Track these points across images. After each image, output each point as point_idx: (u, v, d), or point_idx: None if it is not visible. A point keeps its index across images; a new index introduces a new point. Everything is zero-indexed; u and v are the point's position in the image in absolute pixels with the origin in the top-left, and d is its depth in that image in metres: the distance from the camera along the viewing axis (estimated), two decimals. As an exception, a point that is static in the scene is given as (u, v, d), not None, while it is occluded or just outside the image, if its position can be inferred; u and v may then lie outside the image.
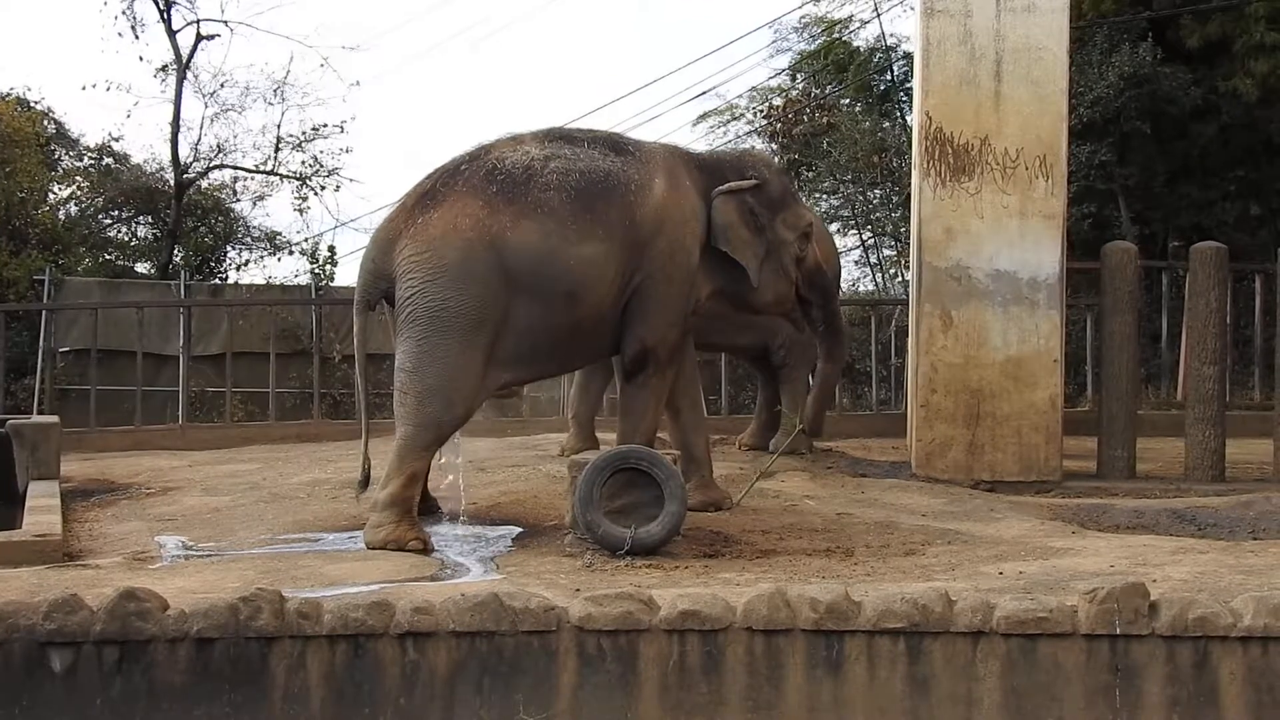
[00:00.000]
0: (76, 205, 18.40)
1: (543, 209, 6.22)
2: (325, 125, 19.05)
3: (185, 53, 18.30)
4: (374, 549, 5.96)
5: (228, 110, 18.76)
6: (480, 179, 6.28)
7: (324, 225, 20.97)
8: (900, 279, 17.08)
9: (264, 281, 17.71)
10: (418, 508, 6.66)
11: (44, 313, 13.51)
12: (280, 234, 19.52)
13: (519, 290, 6.17)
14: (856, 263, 18.61)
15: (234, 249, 19.25)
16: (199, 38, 18.35)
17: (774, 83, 19.93)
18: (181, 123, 18.24)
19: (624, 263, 6.35)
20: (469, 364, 6.16)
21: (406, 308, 6.18)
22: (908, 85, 17.09)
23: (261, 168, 19.10)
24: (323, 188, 18.94)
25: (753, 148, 7.03)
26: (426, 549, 5.96)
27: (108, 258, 18.18)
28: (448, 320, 6.11)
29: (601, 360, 7.31)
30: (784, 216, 6.87)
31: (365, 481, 6.42)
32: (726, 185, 6.69)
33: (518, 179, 6.26)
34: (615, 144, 6.62)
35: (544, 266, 6.18)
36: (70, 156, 19.15)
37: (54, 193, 17.93)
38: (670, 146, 6.99)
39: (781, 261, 6.88)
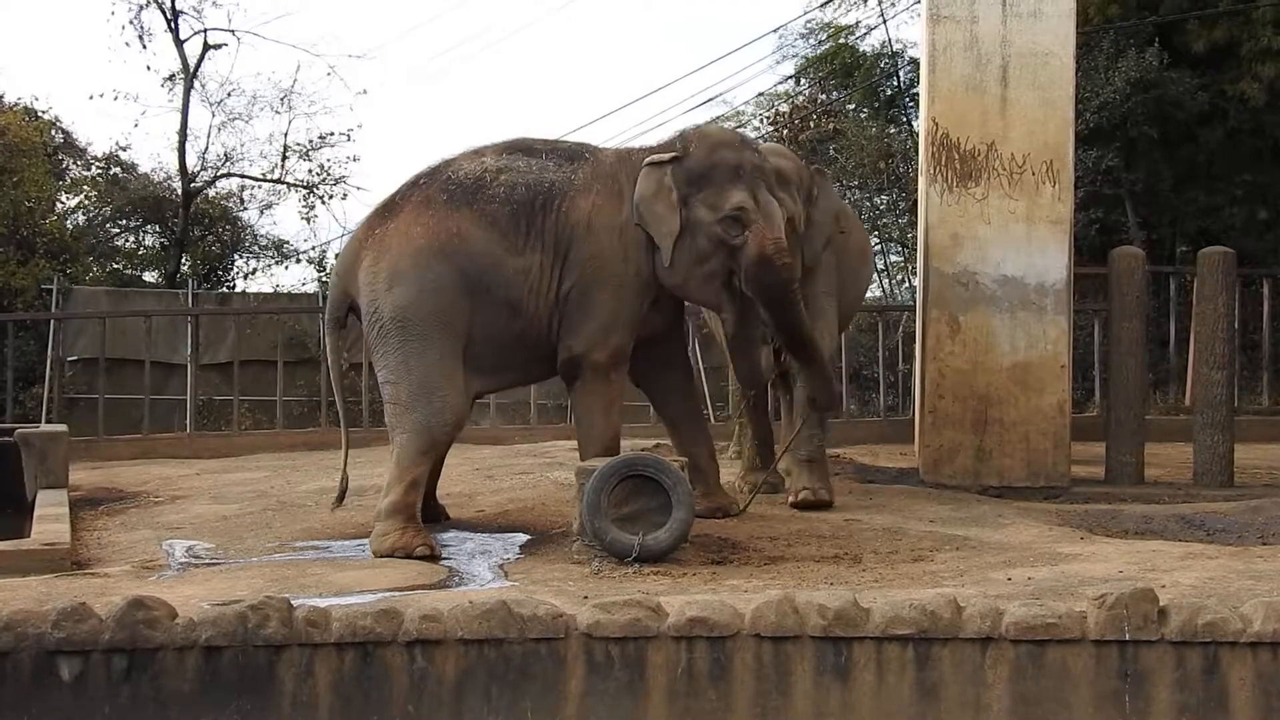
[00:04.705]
0: (84, 214, 18.47)
1: (486, 219, 6.33)
2: (332, 134, 19.16)
3: (192, 62, 18.39)
4: (381, 557, 5.98)
5: (235, 119, 18.87)
6: (434, 190, 6.44)
7: (331, 233, 21.11)
8: (907, 285, 17.08)
9: (271, 290, 17.75)
10: (436, 512, 6.81)
11: (52, 322, 13.55)
12: (287, 242, 19.62)
13: (474, 297, 6.28)
14: (864, 268, 18.58)
15: (241, 257, 19.33)
16: (206, 47, 18.44)
17: (780, 89, 19.95)
18: (189, 132, 18.33)
19: (557, 272, 6.37)
20: (444, 366, 6.25)
21: (373, 322, 6.36)
22: (914, 91, 17.10)
23: (268, 176, 19.17)
24: (330, 196, 19.01)
25: (708, 123, 6.51)
26: (434, 554, 5.99)
27: (115, 267, 18.24)
28: (412, 327, 6.24)
29: None
30: (705, 195, 6.36)
31: (342, 495, 6.60)
32: (650, 157, 6.48)
33: (468, 190, 6.40)
34: (573, 154, 6.61)
35: (488, 276, 6.30)
36: (78, 166, 19.21)
37: (61, 202, 17.99)
38: (630, 151, 6.75)
39: (697, 242, 6.37)
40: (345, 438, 6.69)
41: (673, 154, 6.42)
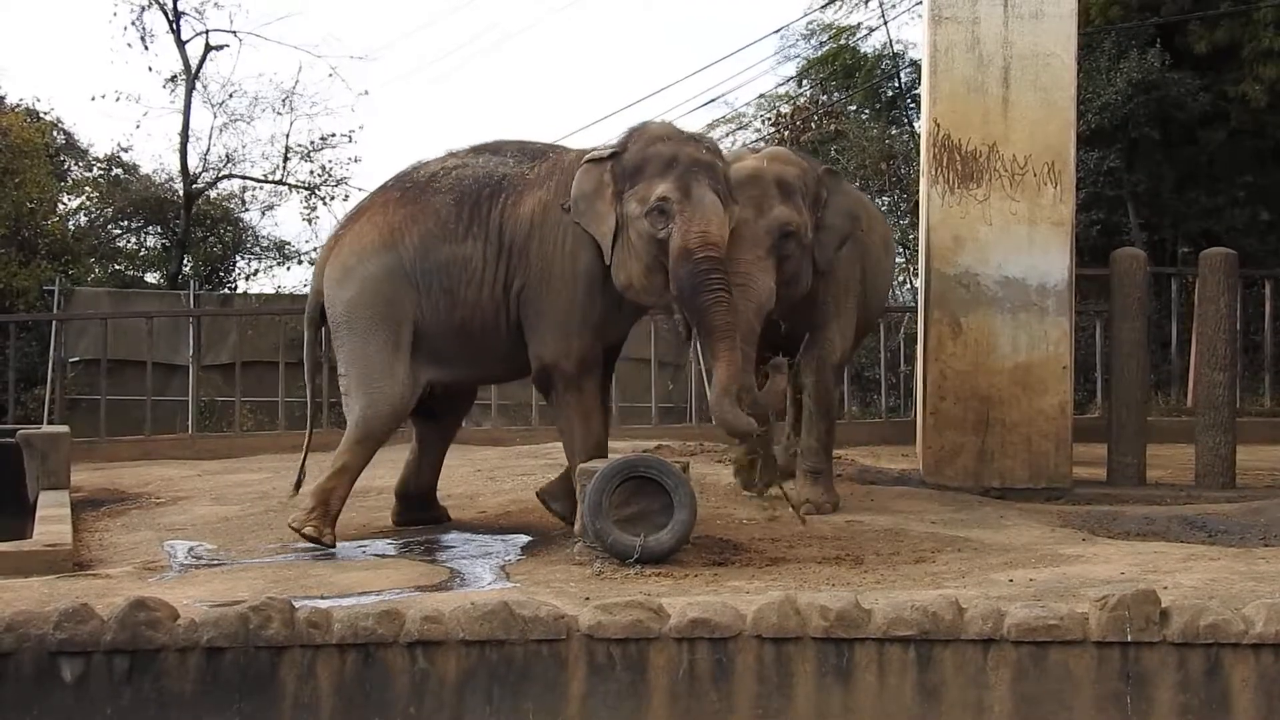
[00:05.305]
0: (86, 215, 18.49)
1: (429, 211, 6.45)
2: (334, 135, 19.20)
3: (194, 63, 18.42)
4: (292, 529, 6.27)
5: (236, 120, 18.91)
6: (393, 191, 6.63)
7: (332, 235, 21.09)
8: (909, 286, 17.07)
9: (273, 291, 17.77)
10: (438, 513, 6.94)
11: (54, 323, 13.55)
12: (289, 243, 19.67)
13: (415, 287, 6.40)
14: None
15: (243, 258, 19.38)
16: (208, 48, 18.47)
17: (782, 90, 19.95)
18: (190, 133, 18.37)
19: (501, 266, 6.37)
20: (383, 361, 6.39)
21: (330, 319, 6.57)
22: (915, 92, 17.10)
23: (270, 177, 19.21)
24: (331, 197, 19.03)
25: (653, 121, 6.11)
26: (320, 540, 6.21)
27: (117, 268, 18.26)
28: (356, 322, 6.44)
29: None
30: (636, 189, 6.10)
31: (297, 485, 6.76)
32: (590, 154, 6.35)
33: (421, 186, 6.54)
34: (536, 153, 6.61)
35: (423, 264, 6.40)
36: (79, 167, 19.24)
37: (63, 203, 18.02)
38: (595, 151, 6.43)
39: (631, 239, 6.12)
40: (309, 430, 6.94)
41: (612, 150, 6.26)
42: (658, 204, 6.00)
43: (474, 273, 6.36)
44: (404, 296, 6.39)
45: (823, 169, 7.12)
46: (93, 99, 21.40)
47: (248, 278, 19.18)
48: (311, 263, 18.69)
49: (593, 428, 6.44)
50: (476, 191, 6.43)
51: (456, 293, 6.38)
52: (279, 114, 19.16)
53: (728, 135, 19.93)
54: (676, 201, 5.98)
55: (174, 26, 18.28)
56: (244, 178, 19.12)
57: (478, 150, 6.66)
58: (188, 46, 18.41)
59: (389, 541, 6.55)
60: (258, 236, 19.52)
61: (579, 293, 6.30)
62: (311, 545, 6.38)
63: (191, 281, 16.86)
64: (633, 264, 6.12)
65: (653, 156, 6.12)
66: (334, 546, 6.26)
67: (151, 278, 18.60)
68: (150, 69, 22.82)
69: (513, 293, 6.36)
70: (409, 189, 6.56)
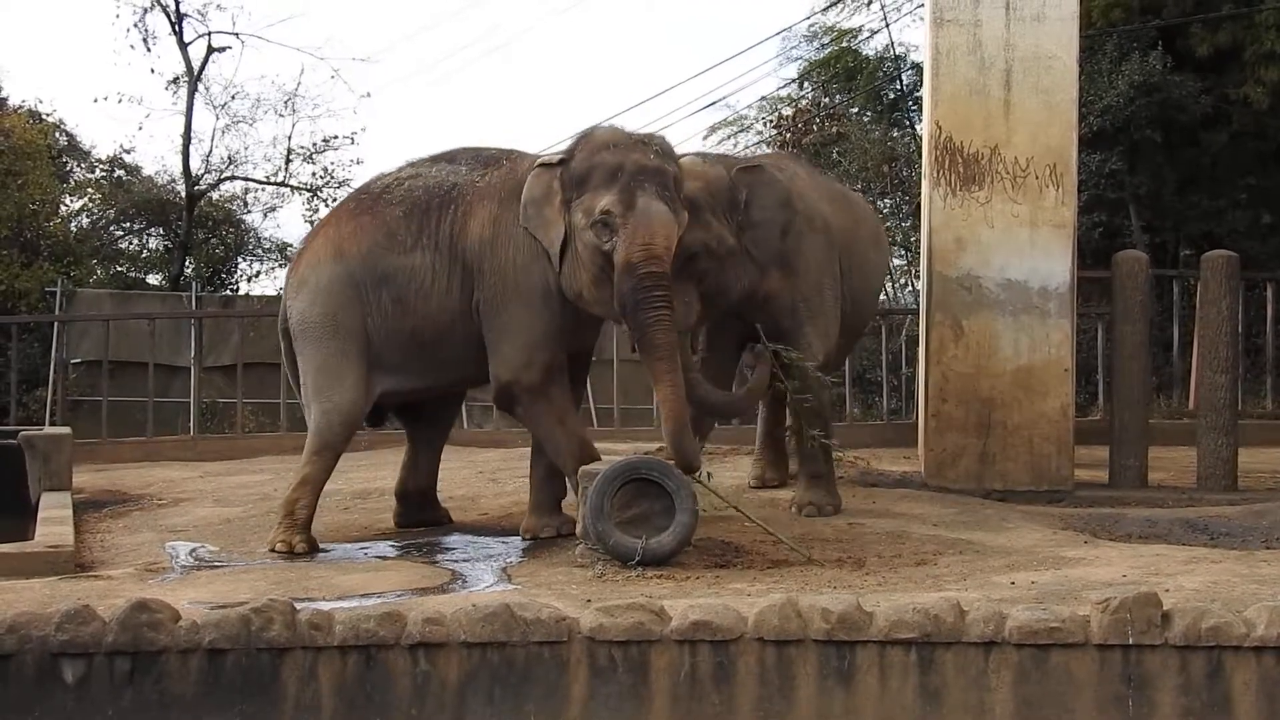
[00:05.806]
0: (88, 217, 18.51)
1: (378, 221, 6.45)
2: (336, 137, 19.24)
3: (197, 65, 18.43)
4: (269, 548, 6.25)
5: (239, 122, 18.93)
6: (350, 203, 6.72)
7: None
8: (910, 288, 17.08)
9: (275, 292, 17.77)
10: (440, 515, 6.95)
11: (56, 324, 13.57)
12: (291, 245, 19.61)
13: (365, 297, 6.41)
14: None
15: (245, 260, 19.40)
16: (210, 50, 18.49)
17: (783, 92, 19.96)
18: (193, 135, 18.39)
19: (456, 277, 6.32)
20: (334, 371, 6.42)
21: (290, 328, 6.62)
22: (917, 94, 17.10)
23: (272, 179, 19.22)
24: (333, 199, 19.02)
25: (601, 125, 5.99)
26: (291, 553, 6.18)
27: (119, 269, 18.29)
28: (309, 333, 6.49)
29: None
30: (583, 199, 6.00)
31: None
32: (540, 160, 6.28)
33: (375, 196, 6.57)
34: (490, 160, 6.55)
35: (371, 274, 6.39)
36: (82, 169, 19.27)
37: (66, 205, 18.04)
38: (545, 157, 6.35)
39: (579, 249, 6.04)
40: None
41: (560, 156, 6.18)
42: (601, 217, 5.91)
43: (423, 283, 6.33)
44: (352, 307, 6.39)
45: (737, 169, 6.76)
46: (95, 101, 21.44)
47: (249, 279, 19.24)
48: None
49: (572, 428, 6.40)
50: (426, 202, 6.40)
51: (407, 302, 6.36)
52: (281, 116, 19.20)
53: (729, 138, 19.98)
54: (619, 215, 5.87)
55: (176, 28, 18.30)
56: (246, 179, 19.15)
57: (435, 159, 6.63)
58: (190, 48, 18.44)
59: (390, 543, 6.55)
60: (260, 238, 19.56)
61: (536, 306, 6.23)
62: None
63: (193, 283, 16.86)
64: (582, 275, 6.07)
65: (598, 165, 6.01)
66: (308, 552, 6.21)
67: (153, 279, 18.62)
68: (153, 71, 22.85)
69: (473, 305, 6.32)
70: (363, 200, 6.60)
